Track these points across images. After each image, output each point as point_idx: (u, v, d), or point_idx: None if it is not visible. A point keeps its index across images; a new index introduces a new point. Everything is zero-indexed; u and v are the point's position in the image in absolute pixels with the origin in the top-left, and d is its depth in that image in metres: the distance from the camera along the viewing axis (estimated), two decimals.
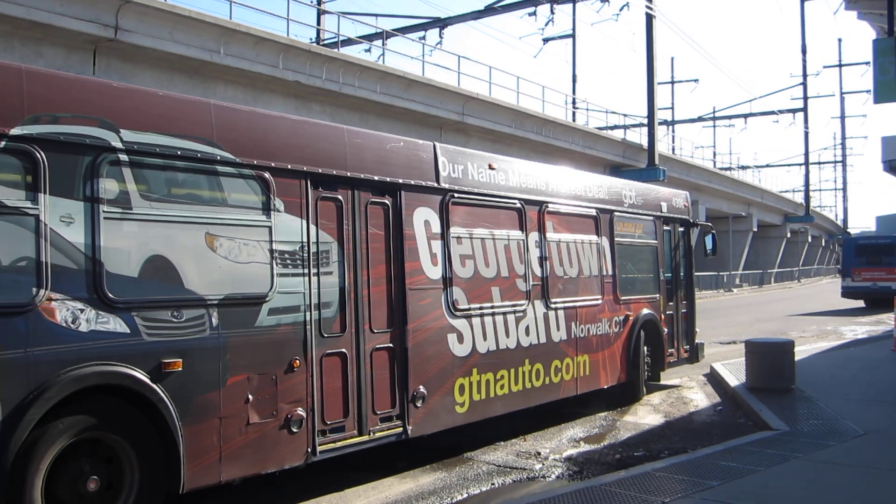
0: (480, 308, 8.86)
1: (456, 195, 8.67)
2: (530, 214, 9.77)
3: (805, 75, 71.57)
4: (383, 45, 34.17)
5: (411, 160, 8.25)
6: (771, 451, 7.92)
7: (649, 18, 40.20)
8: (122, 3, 19.33)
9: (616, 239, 11.56)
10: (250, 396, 6.40)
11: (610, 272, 11.34)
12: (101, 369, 5.48)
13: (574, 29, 51.64)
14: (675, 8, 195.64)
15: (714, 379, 13.56)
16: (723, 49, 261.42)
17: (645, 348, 12.08)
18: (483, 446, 8.89)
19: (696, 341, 13.73)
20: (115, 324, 5.62)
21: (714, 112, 75.85)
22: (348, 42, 35.54)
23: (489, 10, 41.65)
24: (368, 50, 38.45)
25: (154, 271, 5.95)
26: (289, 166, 6.91)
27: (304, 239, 6.96)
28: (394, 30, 39.43)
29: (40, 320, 5.21)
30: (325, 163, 7.25)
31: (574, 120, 42.26)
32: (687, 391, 12.78)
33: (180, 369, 5.93)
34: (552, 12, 41.57)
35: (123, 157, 5.77)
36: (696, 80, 72.48)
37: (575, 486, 6.98)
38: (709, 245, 15.05)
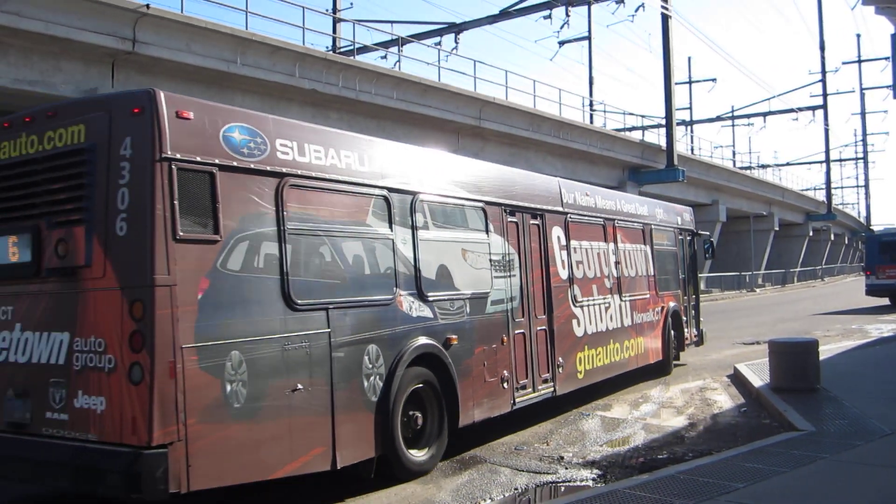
0: (588, 300, 11.67)
1: (570, 215, 11.48)
2: (608, 229, 12.72)
3: (824, 72, 71.11)
4: (399, 51, 34.30)
5: (549, 191, 11.19)
6: (796, 452, 7.83)
7: (665, 19, 40.07)
8: (139, 15, 19.51)
9: (654, 246, 14.57)
10: (485, 362, 8.92)
11: (652, 272, 14.33)
12: (424, 342, 7.93)
13: (590, 31, 51.64)
14: (691, 7, 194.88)
15: (738, 380, 13.45)
16: (740, 47, 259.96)
17: (672, 332, 14.96)
18: (505, 451, 8.86)
19: (701, 328, 17.12)
20: (427, 311, 8.10)
21: (733, 111, 75.60)
22: (364, 49, 35.72)
23: (504, 14, 41.70)
24: (384, 57, 38.59)
25: (440, 275, 8.43)
26: (494, 199, 9.56)
27: (503, 251, 9.61)
28: (409, 36, 39.54)
29: (397, 309, 7.69)
30: (509, 196, 9.97)
31: (591, 122, 42.18)
32: (711, 392, 12.68)
33: (456, 343, 8.41)
34: (567, 15, 41.59)
35: (424, 198, 8.31)
36: (713, 80, 72.27)
37: (598, 490, 6.93)
38: (708, 251, 18.33)
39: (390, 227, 7.73)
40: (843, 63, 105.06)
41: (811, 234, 77.53)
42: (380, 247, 7.63)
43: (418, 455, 7.83)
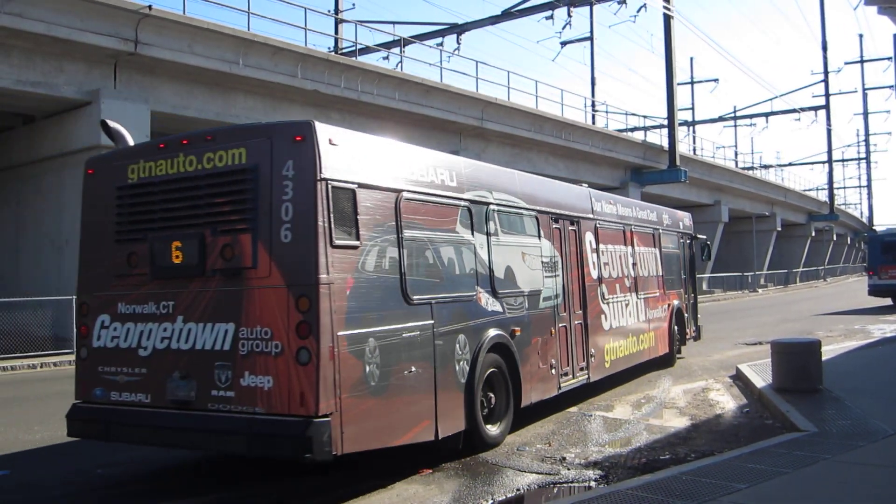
0: (612, 298, 12.99)
1: (599, 221, 12.81)
2: (627, 233, 14.06)
3: (826, 72, 71.04)
4: (401, 52, 34.32)
5: (582, 200, 12.59)
6: (799, 453, 7.82)
7: (667, 19, 40.04)
8: (141, 16, 19.54)
9: (662, 249, 15.89)
10: (539, 351, 10.19)
11: (660, 273, 15.67)
12: (496, 332, 9.14)
13: (592, 31, 51.61)
14: (693, 8, 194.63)
15: (740, 380, 13.44)
16: (742, 48, 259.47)
17: (676, 328, 16.30)
18: (507, 451, 8.85)
19: (699, 324, 18.48)
20: (497, 306, 9.33)
21: (735, 111, 75.54)
22: (366, 50, 35.72)
23: (506, 15, 41.69)
24: (386, 58, 38.60)
25: (507, 275, 9.67)
26: (543, 208, 10.87)
27: (551, 254, 10.92)
28: (411, 37, 39.54)
29: (478, 304, 8.93)
30: (553, 205, 11.27)
31: (594, 122, 42.18)
32: (713, 393, 12.67)
33: (519, 334, 9.66)
34: (569, 15, 41.61)
35: (494, 208, 9.56)
36: (715, 80, 72.37)
37: (600, 491, 6.93)
38: (704, 253, 20.00)
39: (472, 234, 9.04)
40: (846, 63, 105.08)
41: (813, 234, 77.43)
42: (465, 250, 8.91)
43: (492, 430, 9.03)
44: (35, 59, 19.20)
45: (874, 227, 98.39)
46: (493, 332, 9.08)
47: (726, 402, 11.87)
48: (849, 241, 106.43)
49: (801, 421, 9.32)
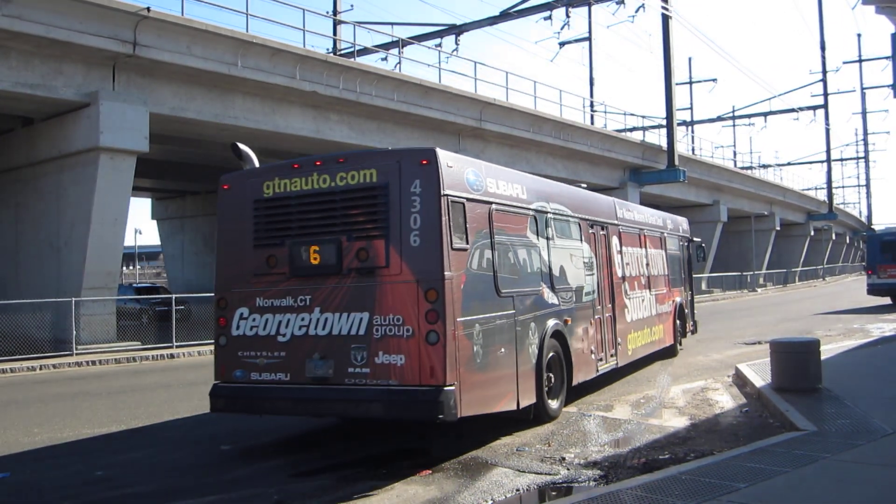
0: (633, 294, 14.70)
1: (621, 227, 14.50)
2: (641, 237, 15.77)
3: (825, 72, 71.04)
4: (399, 53, 34.32)
5: (609, 207, 14.35)
6: (798, 452, 7.84)
7: (665, 19, 40.05)
8: (139, 18, 19.54)
9: (668, 250, 17.68)
10: (583, 338, 11.90)
11: (666, 272, 17.39)
12: (555, 321, 10.81)
13: (590, 32, 51.61)
14: (692, 8, 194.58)
15: (739, 380, 13.44)
16: (740, 48, 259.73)
17: (678, 322, 18.04)
18: (507, 452, 8.86)
19: (695, 319, 20.48)
20: (555, 300, 10.95)
21: (733, 111, 75.55)
22: (365, 51, 35.70)
23: (505, 16, 41.70)
24: (385, 59, 38.61)
25: (560, 273, 11.32)
26: (583, 216, 12.62)
27: (589, 255, 12.65)
28: (410, 38, 39.55)
29: (542, 297, 10.58)
30: (590, 212, 13.03)
31: (592, 123, 42.17)
32: (712, 392, 12.68)
33: (570, 323, 11.32)
34: (568, 16, 41.61)
35: (550, 216, 11.22)
36: (714, 80, 72.45)
37: (600, 491, 6.93)
38: (700, 254, 21.44)
39: (537, 238, 10.71)
40: (844, 63, 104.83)
41: (812, 233, 77.46)
42: (532, 252, 10.55)
43: (553, 404, 10.61)
44: (34, 61, 19.19)
45: (873, 227, 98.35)
46: (552, 321, 10.71)
47: (726, 401, 11.88)
48: (847, 241, 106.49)
49: (801, 420, 9.33)
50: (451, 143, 30.64)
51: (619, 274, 14.05)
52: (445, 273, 8.17)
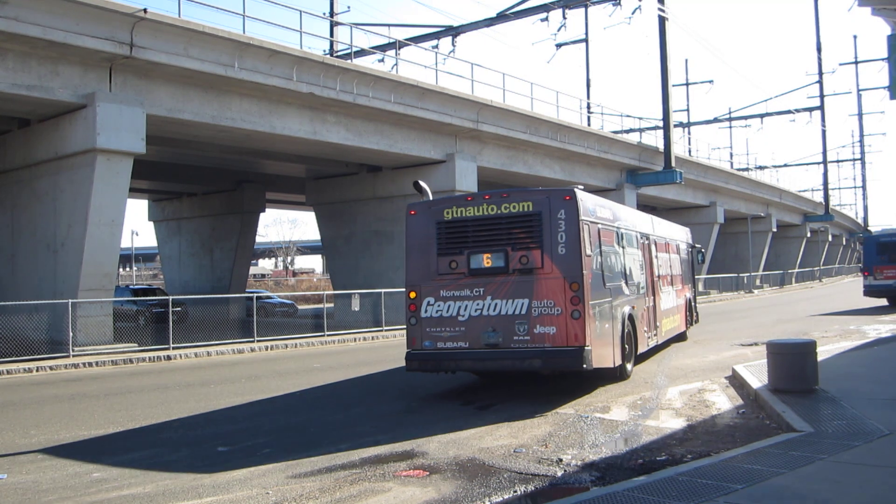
0: (663, 288, 18.58)
1: (654, 236, 18.35)
2: (665, 244, 19.67)
3: (821, 73, 71.14)
4: (396, 54, 34.30)
5: (647, 221, 18.33)
6: (795, 453, 7.85)
7: (662, 21, 40.09)
8: (136, 20, 19.52)
9: (681, 255, 21.98)
10: (641, 320, 15.54)
11: (681, 272, 21.57)
12: (628, 307, 14.58)
13: (587, 33, 51.66)
14: (688, 9, 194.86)
15: (736, 381, 13.45)
16: (737, 49, 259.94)
17: (688, 313, 22.24)
18: (504, 453, 8.87)
19: (697, 311, 24.59)
20: (627, 291, 14.81)
21: (730, 113, 75.52)
22: (361, 53, 35.71)
23: (501, 17, 41.67)
24: (382, 60, 38.62)
25: (630, 272, 15.19)
26: (638, 230, 16.61)
27: (641, 259, 16.56)
28: (407, 39, 39.55)
29: (622, 289, 14.42)
30: (640, 227, 17.05)
31: (589, 124, 42.17)
32: (709, 394, 12.69)
33: (635, 309, 15.04)
34: (564, 17, 41.56)
35: (623, 231, 15.05)
36: (710, 82, 72.23)
37: (597, 493, 6.94)
38: (699, 257, 25.27)
39: (618, 247, 14.78)
40: (840, 64, 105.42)
41: (809, 235, 77.58)
42: (617, 257, 14.53)
43: (628, 366, 14.36)
44: (30, 62, 19.17)
45: (869, 228, 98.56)
46: (627, 307, 14.62)
47: (722, 402, 11.89)
48: (844, 242, 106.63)
49: (797, 421, 9.34)
50: (447, 145, 30.66)
51: (656, 273, 17.89)
52: (584, 272, 12.16)
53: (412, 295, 12.89)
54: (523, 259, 12.25)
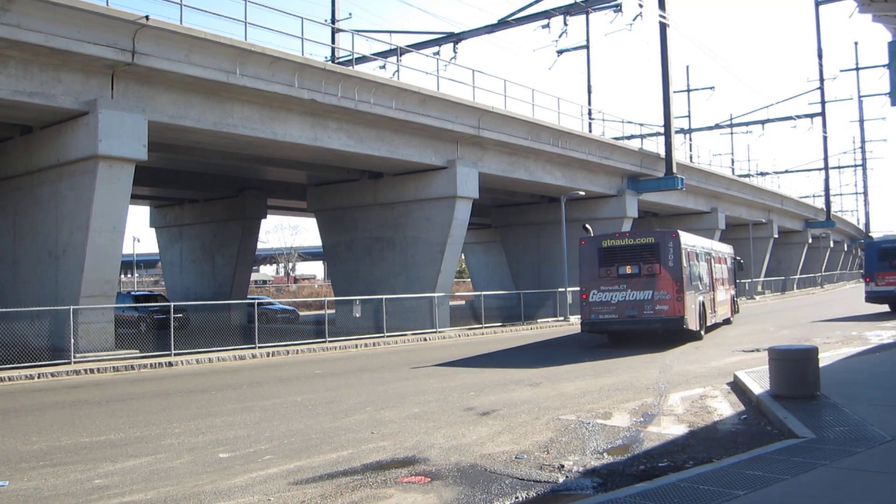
0: (718, 287, 28.42)
1: (712, 253, 28.05)
2: (718, 258, 29.18)
3: (822, 80, 71.18)
4: (398, 61, 34.32)
5: (710, 243, 28.84)
6: (797, 459, 7.84)
7: (663, 27, 40.14)
8: (138, 27, 19.56)
9: (728, 265, 31.83)
10: (707, 305, 25.79)
11: (727, 276, 31.24)
12: (701, 297, 24.78)
13: (588, 40, 51.70)
14: (689, 16, 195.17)
15: (738, 387, 13.45)
16: (738, 56, 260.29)
17: (732, 305, 32.04)
18: (506, 459, 8.86)
19: (737, 305, 34.93)
20: (701, 287, 25.22)
21: (731, 119, 75.54)
22: (363, 59, 35.76)
23: (503, 24, 41.76)
24: (383, 66, 38.70)
25: (700, 276, 25.31)
26: (705, 249, 26.95)
27: (707, 268, 26.54)
28: (408, 46, 39.62)
29: (698, 286, 24.85)
30: (704, 247, 26.84)
31: (590, 130, 42.16)
32: (711, 400, 12.68)
33: (704, 298, 25.22)
34: (565, 24, 41.63)
35: (698, 251, 25.90)
36: (712, 88, 72.50)
37: (599, 499, 6.94)
38: (739, 266, 35.75)
39: (697, 262, 24.30)
40: (841, 71, 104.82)
41: (810, 241, 77.50)
42: (696, 267, 23.92)
43: (702, 332, 23.76)
44: (32, 69, 19.21)
45: (871, 234, 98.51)
46: (701, 297, 24.16)
47: (724, 409, 11.88)
48: (846, 248, 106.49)
49: (799, 427, 9.34)
50: (449, 151, 30.70)
51: (715, 277, 27.40)
52: (682, 276, 22.08)
53: (583, 289, 23.41)
54: (648, 269, 22.33)
